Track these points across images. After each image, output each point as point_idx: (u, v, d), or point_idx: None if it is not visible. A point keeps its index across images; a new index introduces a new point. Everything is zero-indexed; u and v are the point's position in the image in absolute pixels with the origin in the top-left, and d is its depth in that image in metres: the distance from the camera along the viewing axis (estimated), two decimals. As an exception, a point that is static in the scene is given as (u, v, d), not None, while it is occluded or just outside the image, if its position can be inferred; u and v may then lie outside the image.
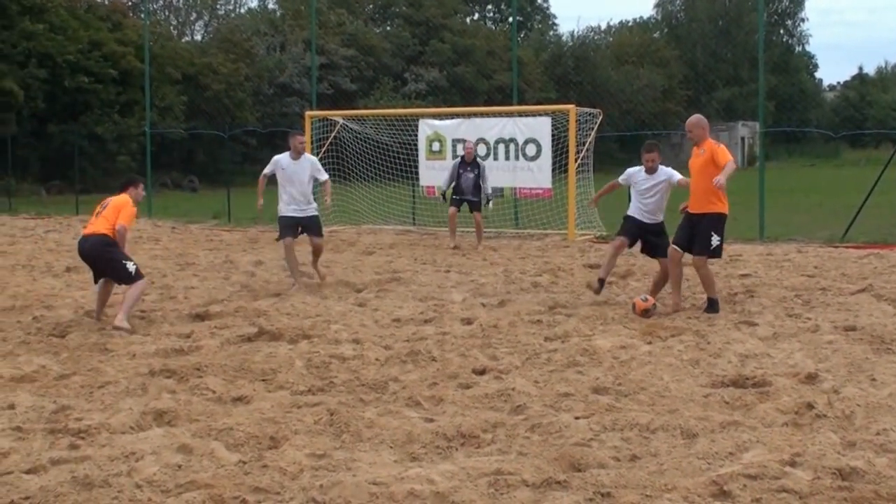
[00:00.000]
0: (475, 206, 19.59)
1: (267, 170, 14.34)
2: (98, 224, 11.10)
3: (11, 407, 7.37)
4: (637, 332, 10.12)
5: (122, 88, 44.83)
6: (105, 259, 10.97)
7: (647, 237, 12.23)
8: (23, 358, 9.15)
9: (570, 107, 22.10)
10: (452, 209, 19.70)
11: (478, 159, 20.08)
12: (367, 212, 25.15)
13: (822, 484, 5.60)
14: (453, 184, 19.67)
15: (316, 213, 14.27)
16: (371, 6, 70.08)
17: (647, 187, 12.08)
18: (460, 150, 22.16)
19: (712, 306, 11.44)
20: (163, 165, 41.26)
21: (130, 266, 10.93)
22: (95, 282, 11.30)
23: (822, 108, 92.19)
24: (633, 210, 12.24)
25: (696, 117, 11.76)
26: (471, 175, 19.49)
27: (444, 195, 20.47)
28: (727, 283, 13.58)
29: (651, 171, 12.08)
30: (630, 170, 12.35)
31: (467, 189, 19.49)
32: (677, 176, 11.98)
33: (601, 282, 12.31)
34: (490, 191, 20.01)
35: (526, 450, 6.31)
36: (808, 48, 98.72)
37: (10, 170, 36.12)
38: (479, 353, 9.21)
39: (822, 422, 6.87)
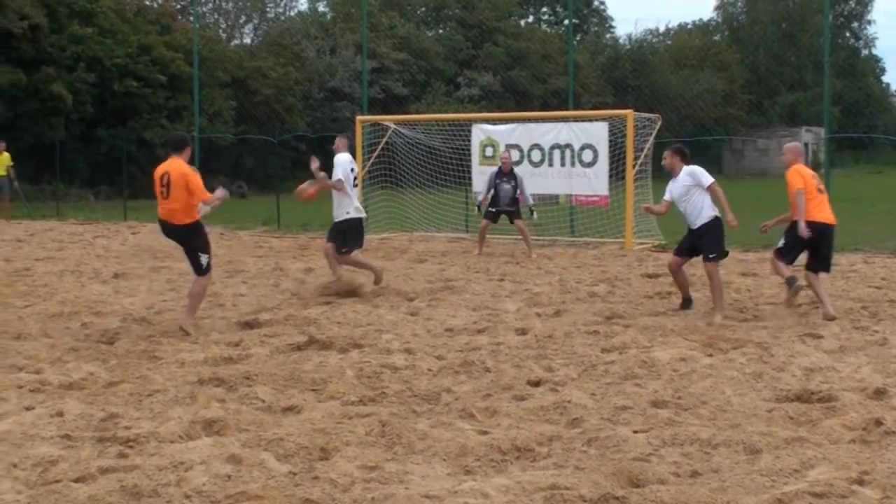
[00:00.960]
0: (514, 215, 19.58)
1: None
2: (174, 211, 11.13)
3: (60, 414, 7.46)
4: (697, 344, 10.05)
5: (170, 93, 45.23)
6: (187, 248, 11.37)
7: (693, 241, 12.26)
8: (71, 365, 9.26)
9: (628, 112, 22.01)
10: (485, 221, 19.81)
11: (514, 170, 20.04)
12: (419, 219, 25.19)
13: None
14: (490, 194, 19.68)
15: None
16: (423, 9, 70.22)
17: (677, 193, 12.20)
18: (514, 156, 22.18)
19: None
20: (211, 171, 41.50)
21: (204, 259, 11.24)
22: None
23: (889, 114, 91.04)
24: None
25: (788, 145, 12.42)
26: (507, 186, 19.47)
27: (478, 206, 20.56)
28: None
29: (674, 174, 12.25)
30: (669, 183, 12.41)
31: (504, 200, 19.48)
32: (707, 180, 11.98)
33: (686, 301, 12.40)
34: (531, 201, 19.95)
35: (583, 464, 6.28)
36: (875, 51, 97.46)
37: (58, 175, 36.55)
38: (534, 364, 9.19)
39: (892, 438, 6.79)
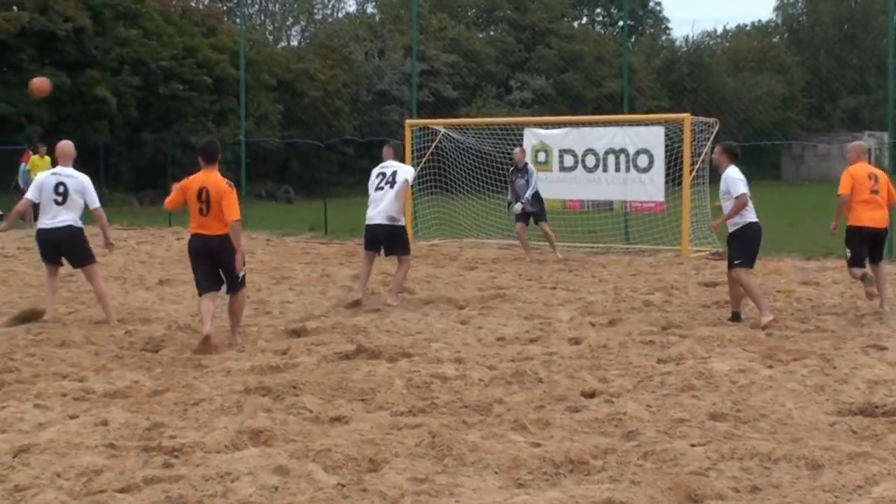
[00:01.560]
0: (538, 217, 19.85)
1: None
2: (214, 224, 10.86)
3: (105, 423, 7.53)
4: (757, 355, 9.98)
5: (216, 96, 45.55)
6: (224, 263, 10.93)
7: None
8: (116, 373, 9.34)
9: (685, 116, 21.90)
10: (518, 225, 20.05)
11: (528, 165, 20.22)
12: (469, 225, 25.19)
13: (960, 522, 5.46)
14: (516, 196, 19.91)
15: None
16: (474, 10, 70.30)
17: (721, 192, 12.43)
18: (568, 161, 22.13)
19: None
20: (257, 176, 41.86)
21: (241, 273, 11.02)
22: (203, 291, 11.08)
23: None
24: None
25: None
26: (521, 181, 19.79)
27: (508, 205, 20.76)
28: (853, 304, 13.34)
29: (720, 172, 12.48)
30: None
31: (521, 195, 19.75)
32: (737, 190, 12.02)
33: (734, 315, 12.38)
34: (528, 197, 19.95)
35: (639, 478, 6.25)
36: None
37: (102, 179, 36.90)
38: (587, 374, 9.17)
39: (961, 455, 6.70)
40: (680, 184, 21.75)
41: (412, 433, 7.22)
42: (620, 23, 77.42)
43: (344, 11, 72.12)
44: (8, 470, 6.47)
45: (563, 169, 22.79)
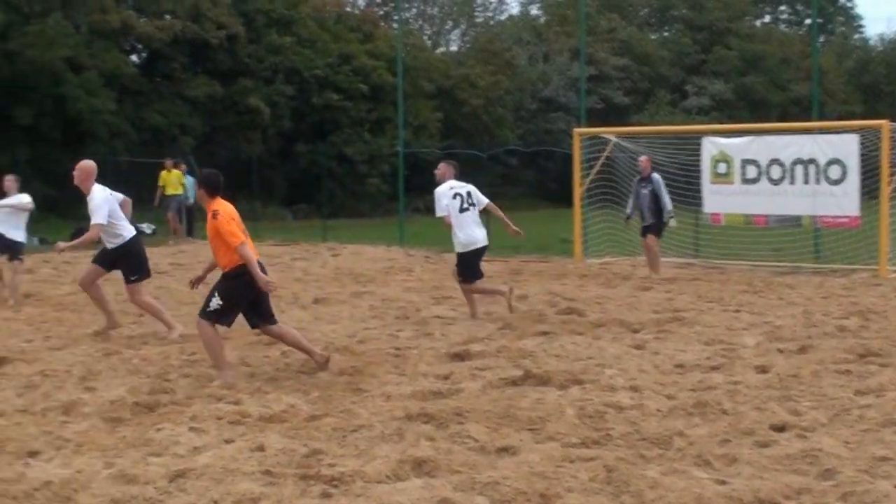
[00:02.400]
0: (651, 230, 19.78)
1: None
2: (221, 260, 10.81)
3: (261, 449, 7.66)
4: (968, 387, 9.64)
5: (372, 104, 46.17)
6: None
7: None
8: (271, 396, 9.50)
9: (883, 122, 21.32)
10: (643, 240, 20.04)
11: (653, 174, 20.03)
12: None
13: None
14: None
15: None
16: (646, 9, 69.92)
17: None
18: (751, 173, 21.76)
19: None
20: (416, 188, 42.29)
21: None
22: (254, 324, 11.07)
23: None
24: None
25: None
26: (645, 191, 19.71)
27: (627, 218, 20.76)
28: None
29: None
30: None
31: (644, 207, 19.68)
32: None
33: None
34: (670, 207, 19.80)
35: (837, 521, 6.10)
36: None
37: (255, 192, 37.72)
38: (777, 406, 8.97)
39: None
40: (877, 197, 21.18)
41: (586, 466, 7.17)
42: (808, 21, 75.90)
43: (506, 13, 72.51)
44: (165, 495, 6.65)
45: (745, 181, 22.41)
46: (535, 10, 70.20)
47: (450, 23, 68.57)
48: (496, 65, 54.85)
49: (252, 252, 10.39)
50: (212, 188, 10.67)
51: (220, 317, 10.46)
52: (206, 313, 10.42)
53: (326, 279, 20.06)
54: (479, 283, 15.15)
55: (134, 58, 45.12)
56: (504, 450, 7.71)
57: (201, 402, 9.25)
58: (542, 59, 58.28)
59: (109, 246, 13.30)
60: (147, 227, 31.52)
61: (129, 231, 13.35)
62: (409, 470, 7.14)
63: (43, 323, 14.21)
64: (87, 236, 13.25)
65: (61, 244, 13.93)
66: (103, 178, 13.62)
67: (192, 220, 31.52)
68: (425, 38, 64.09)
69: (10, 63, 37.65)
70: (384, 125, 45.73)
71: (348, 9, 54.48)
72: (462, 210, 14.70)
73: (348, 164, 44.43)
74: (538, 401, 9.20)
